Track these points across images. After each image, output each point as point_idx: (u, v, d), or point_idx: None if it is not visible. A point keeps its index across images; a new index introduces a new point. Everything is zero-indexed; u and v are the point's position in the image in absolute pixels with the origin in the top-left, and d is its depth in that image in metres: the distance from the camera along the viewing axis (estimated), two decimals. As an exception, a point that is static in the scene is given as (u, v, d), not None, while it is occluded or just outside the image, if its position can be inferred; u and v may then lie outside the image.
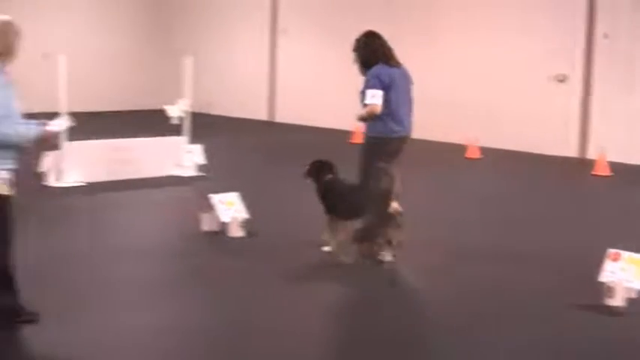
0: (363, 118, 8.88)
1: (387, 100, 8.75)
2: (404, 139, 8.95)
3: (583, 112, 17.15)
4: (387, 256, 8.68)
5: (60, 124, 6.72)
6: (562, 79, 17.25)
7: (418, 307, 7.53)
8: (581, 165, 16.35)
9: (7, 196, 6.36)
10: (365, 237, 8.76)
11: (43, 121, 6.66)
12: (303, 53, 21.09)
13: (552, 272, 8.62)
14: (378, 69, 8.84)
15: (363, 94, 8.87)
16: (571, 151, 17.25)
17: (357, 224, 8.76)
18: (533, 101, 17.64)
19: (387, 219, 8.61)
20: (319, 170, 8.92)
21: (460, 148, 17.18)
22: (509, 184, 14.04)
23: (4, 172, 6.35)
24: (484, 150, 16.90)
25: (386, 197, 8.60)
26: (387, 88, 8.76)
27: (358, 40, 9.14)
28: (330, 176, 8.86)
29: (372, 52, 8.97)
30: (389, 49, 9.03)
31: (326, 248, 8.83)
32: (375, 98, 8.68)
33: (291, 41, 21.32)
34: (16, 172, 6.45)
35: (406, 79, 9.05)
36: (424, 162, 15.35)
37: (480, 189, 13.43)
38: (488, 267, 8.72)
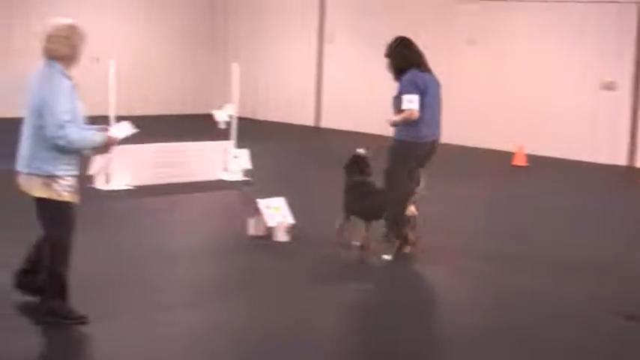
0: (397, 123, 8.95)
1: (421, 105, 8.86)
2: (433, 144, 9.10)
3: (632, 119, 16.98)
4: (386, 255, 8.86)
5: (124, 131, 6.78)
6: (611, 87, 17.09)
7: (461, 313, 7.51)
8: (630, 173, 16.19)
9: (72, 203, 6.45)
10: (397, 234, 8.95)
11: (103, 125, 6.74)
12: (349, 60, 21.11)
13: (596, 281, 8.55)
14: (413, 74, 8.96)
15: (397, 99, 8.98)
16: (620, 159, 17.07)
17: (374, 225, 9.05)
18: (582, 108, 17.49)
19: (404, 221, 8.82)
20: (350, 169, 9.25)
21: (506, 156, 17.06)
22: (555, 191, 13.92)
23: (69, 179, 6.43)
24: (530, 157, 16.78)
25: (405, 200, 8.84)
26: (421, 93, 8.88)
27: (391, 46, 9.25)
28: (358, 177, 9.17)
29: (406, 58, 9.08)
30: (421, 54, 9.16)
31: (355, 243, 9.14)
32: (413, 103, 8.80)
33: (338, 48, 21.34)
34: (78, 177, 6.55)
35: (437, 85, 9.18)
36: (470, 169, 15.30)
37: (525, 197, 13.34)
38: (529, 275, 8.68)
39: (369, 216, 9.11)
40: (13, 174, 6.54)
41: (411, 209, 8.86)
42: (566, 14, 17.66)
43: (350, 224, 9.30)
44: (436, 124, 9.11)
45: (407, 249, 9.05)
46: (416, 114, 8.79)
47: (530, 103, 18.15)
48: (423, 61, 9.12)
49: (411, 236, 9.09)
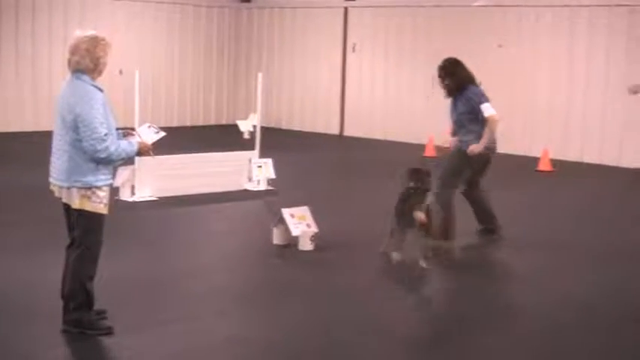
0: (489, 138, 9.72)
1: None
2: (493, 151, 9.97)
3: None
4: (396, 255, 8.98)
5: (152, 135, 6.82)
6: (637, 91, 16.98)
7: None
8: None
9: (105, 215, 6.50)
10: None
11: (126, 130, 6.78)
12: (372, 69, 21.13)
13: (616, 288, 8.51)
14: (476, 88, 9.83)
15: (465, 114, 9.74)
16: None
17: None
18: (608, 112, 17.40)
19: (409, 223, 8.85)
20: (407, 178, 9.13)
21: (531, 161, 16.98)
22: (582, 196, 13.84)
23: (106, 189, 6.48)
24: (555, 162, 16.70)
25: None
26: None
27: (445, 67, 9.93)
28: (411, 184, 9.02)
29: (464, 76, 9.86)
30: (470, 71, 9.94)
31: (394, 255, 9.00)
32: (491, 109, 9.65)
33: (360, 57, 21.36)
34: (111, 187, 6.59)
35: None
36: (494, 175, 15.24)
37: (549, 202, 13.28)
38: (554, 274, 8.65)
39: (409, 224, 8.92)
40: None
41: (420, 215, 8.77)
42: (592, 18, 17.57)
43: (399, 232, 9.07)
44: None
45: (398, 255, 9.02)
46: (497, 117, 9.68)
47: (555, 107, 18.08)
48: (473, 76, 9.95)
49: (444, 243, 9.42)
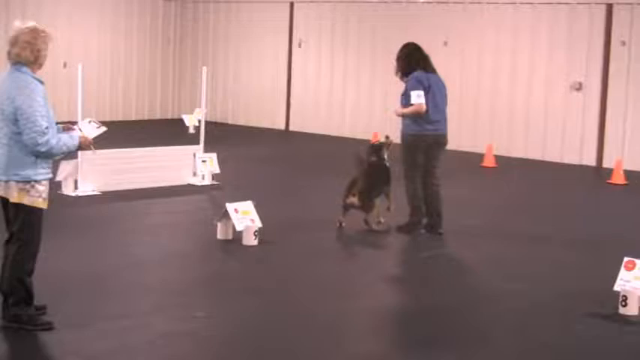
0: (405, 115, 10.09)
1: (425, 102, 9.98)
2: (439, 137, 10.21)
3: (600, 120, 17.08)
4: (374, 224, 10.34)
5: (94, 130, 6.76)
6: (578, 88, 17.20)
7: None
8: (597, 174, 16.31)
9: (43, 209, 6.42)
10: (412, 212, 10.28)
11: (67, 125, 6.70)
12: (317, 65, 21.13)
13: (568, 281, 8.62)
14: (418, 74, 10.09)
15: (404, 96, 10.13)
16: (589, 159, 17.16)
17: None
18: (551, 109, 17.60)
19: (418, 198, 10.24)
20: (367, 153, 10.52)
21: (476, 157, 17.12)
22: (522, 192, 13.99)
23: (45, 183, 6.40)
24: (499, 158, 16.86)
25: (415, 181, 10.24)
26: (425, 90, 10.00)
27: (401, 51, 10.37)
28: (373, 159, 10.42)
29: (412, 61, 10.22)
30: (426, 57, 10.30)
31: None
32: (421, 98, 9.94)
33: (306, 53, 21.36)
34: (52, 181, 6.51)
35: (441, 84, 10.31)
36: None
37: (491, 197, 13.41)
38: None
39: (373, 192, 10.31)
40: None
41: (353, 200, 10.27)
42: (535, 15, 17.75)
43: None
44: (441, 120, 10.20)
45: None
46: (424, 107, 9.93)
47: (499, 104, 18.24)
48: (428, 63, 10.27)
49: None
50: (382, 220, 10.47)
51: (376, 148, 10.56)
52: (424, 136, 10.06)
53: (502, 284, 8.40)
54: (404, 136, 10.20)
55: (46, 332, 6.41)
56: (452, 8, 18.84)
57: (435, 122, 10.12)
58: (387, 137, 10.68)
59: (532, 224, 11.34)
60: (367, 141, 17.72)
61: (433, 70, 10.27)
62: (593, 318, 7.36)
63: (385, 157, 10.49)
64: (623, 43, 16.71)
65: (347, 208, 10.32)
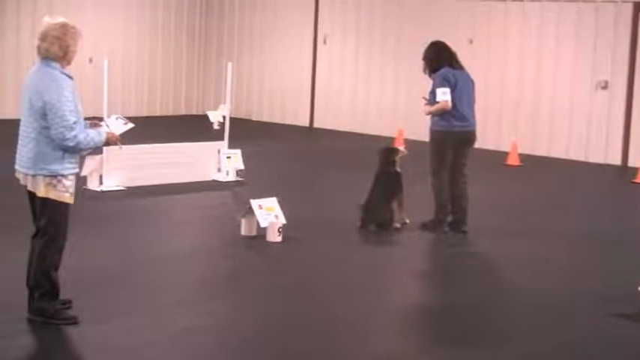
0: (432, 113, 10.13)
1: (452, 99, 9.97)
2: (467, 133, 10.21)
3: (626, 119, 16.98)
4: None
5: (120, 125, 6.78)
6: (604, 86, 17.10)
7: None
8: (622, 173, 16.20)
9: (69, 204, 6.45)
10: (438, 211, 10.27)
11: (94, 121, 6.73)
12: (342, 61, 21.10)
13: (593, 280, 8.58)
14: (445, 71, 10.09)
15: (432, 93, 10.13)
16: (614, 158, 17.04)
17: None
18: (577, 108, 17.50)
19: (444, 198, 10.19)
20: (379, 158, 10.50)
21: (500, 155, 17.04)
22: (546, 190, 13.92)
23: (72, 178, 6.43)
24: (523, 157, 16.77)
25: (443, 181, 10.20)
26: (452, 87, 10.00)
27: (428, 49, 10.38)
28: (384, 167, 10.35)
29: (439, 57, 10.24)
30: (453, 54, 10.31)
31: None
32: (446, 95, 9.94)
33: (331, 49, 21.33)
34: (77, 176, 6.55)
35: (469, 81, 10.30)
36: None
37: (516, 196, 13.36)
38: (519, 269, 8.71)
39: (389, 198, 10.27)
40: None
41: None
42: (561, 13, 17.65)
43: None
44: (468, 116, 10.19)
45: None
46: (449, 105, 9.93)
47: (523, 102, 18.16)
48: (456, 59, 10.26)
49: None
50: (407, 220, 10.39)
51: (387, 153, 10.52)
52: (452, 132, 10.07)
53: (527, 283, 8.38)
54: (432, 132, 10.24)
55: (71, 326, 6.45)
56: (477, 5, 18.77)
57: (463, 118, 10.10)
58: (401, 148, 10.93)
59: (557, 223, 11.29)
60: (392, 139, 17.79)
61: (460, 67, 10.26)
62: (618, 317, 7.32)
63: (396, 161, 10.41)
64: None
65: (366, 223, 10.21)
